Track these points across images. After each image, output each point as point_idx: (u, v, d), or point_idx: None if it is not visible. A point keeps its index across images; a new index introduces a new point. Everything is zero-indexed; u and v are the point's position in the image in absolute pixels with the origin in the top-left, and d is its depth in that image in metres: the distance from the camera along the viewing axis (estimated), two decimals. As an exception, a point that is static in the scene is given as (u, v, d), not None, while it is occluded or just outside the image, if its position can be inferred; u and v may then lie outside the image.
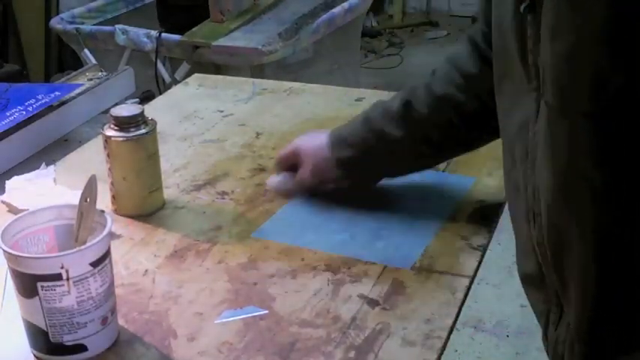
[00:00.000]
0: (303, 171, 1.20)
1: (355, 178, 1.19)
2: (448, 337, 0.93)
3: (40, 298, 0.86)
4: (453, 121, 1.11)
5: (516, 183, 0.87)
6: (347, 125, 1.20)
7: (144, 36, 2.80)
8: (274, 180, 1.26)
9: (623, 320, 0.79)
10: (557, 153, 0.77)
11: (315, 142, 1.20)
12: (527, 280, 0.91)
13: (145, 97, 1.89)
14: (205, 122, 1.52)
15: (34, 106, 1.48)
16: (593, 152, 0.73)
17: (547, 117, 0.77)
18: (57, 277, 0.85)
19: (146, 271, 1.06)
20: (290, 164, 1.23)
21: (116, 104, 1.46)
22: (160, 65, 2.83)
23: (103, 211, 0.93)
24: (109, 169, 1.17)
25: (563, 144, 0.76)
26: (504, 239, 2.81)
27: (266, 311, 0.97)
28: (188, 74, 2.46)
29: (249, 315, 0.96)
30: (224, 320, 0.95)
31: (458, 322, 0.97)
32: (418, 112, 1.12)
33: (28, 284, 0.86)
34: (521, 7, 0.77)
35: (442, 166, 1.30)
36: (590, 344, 0.82)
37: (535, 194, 0.82)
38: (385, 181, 1.24)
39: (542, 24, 0.75)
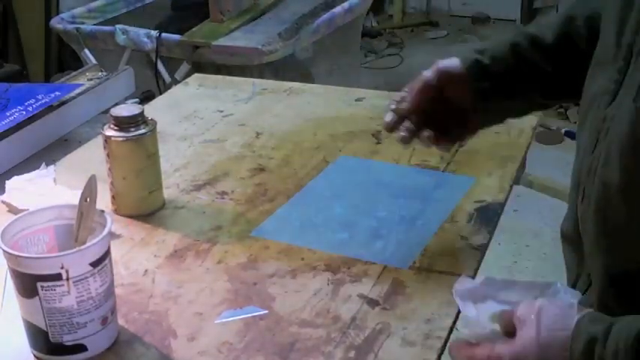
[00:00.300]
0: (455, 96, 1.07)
1: (486, 105, 1.07)
2: (448, 337, 0.93)
3: (40, 298, 0.86)
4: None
5: (578, 147, 0.88)
6: (483, 50, 1.08)
7: (144, 36, 2.80)
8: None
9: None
10: (630, 148, 0.78)
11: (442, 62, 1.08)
12: (565, 238, 0.92)
13: (145, 97, 1.90)
14: (205, 122, 1.52)
15: (34, 106, 1.48)
16: None
17: (628, 110, 0.78)
18: (57, 277, 0.85)
19: (146, 271, 1.06)
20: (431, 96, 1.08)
21: (116, 104, 1.46)
22: (160, 65, 2.83)
23: (103, 211, 0.93)
24: (109, 169, 1.17)
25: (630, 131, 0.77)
26: (504, 239, 2.82)
27: (266, 311, 0.97)
28: (188, 74, 2.46)
29: (249, 315, 0.96)
30: (224, 320, 0.95)
31: (458, 322, 0.97)
32: (581, 50, 1.03)
33: (28, 284, 0.86)
34: None
35: (442, 166, 1.31)
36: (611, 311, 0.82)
37: (592, 175, 0.84)
38: (385, 181, 1.24)
39: None
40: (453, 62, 1.06)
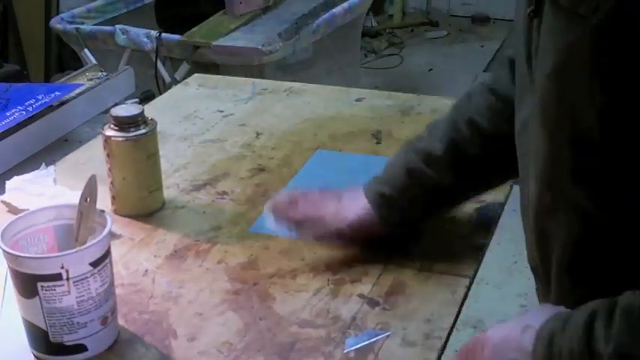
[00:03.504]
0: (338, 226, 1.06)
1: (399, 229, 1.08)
2: (448, 337, 0.93)
3: (40, 298, 0.86)
4: (507, 158, 0.96)
5: (520, 176, 0.89)
6: (385, 181, 1.07)
7: (144, 36, 2.80)
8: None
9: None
10: (542, 167, 0.79)
11: (350, 208, 1.06)
12: (532, 270, 0.92)
13: (145, 97, 1.89)
14: (205, 122, 1.52)
15: (34, 106, 1.47)
16: (573, 172, 0.75)
17: (535, 128, 0.78)
18: (57, 277, 0.85)
19: (146, 271, 1.06)
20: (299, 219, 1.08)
21: (116, 104, 1.46)
22: (160, 65, 2.83)
23: (103, 211, 0.93)
24: (109, 169, 1.17)
25: (547, 160, 0.77)
26: (504, 239, 2.82)
27: (389, 332, 0.93)
28: (188, 74, 2.45)
29: (375, 339, 0.92)
30: (351, 349, 0.91)
31: (458, 322, 0.97)
32: (470, 155, 1.03)
33: (28, 284, 0.86)
34: (527, 11, 0.78)
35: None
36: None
37: (528, 198, 0.84)
38: (365, 171, 1.25)
39: (542, 30, 0.75)
40: (358, 204, 1.05)
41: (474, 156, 1.02)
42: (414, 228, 1.09)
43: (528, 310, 0.81)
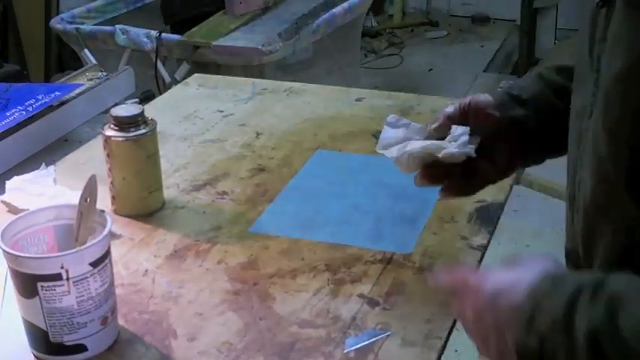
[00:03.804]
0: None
1: (523, 148, 1.01)
2: (448, 337, 0.93)
3: (40, 298, 0.86)
4: None
5: (568, 165, 0.86)
6: (512, 86, 1.02)
7: (144, 36, 2.80)
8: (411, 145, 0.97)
9: None
10: (598, 165, 0.76)
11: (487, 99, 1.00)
12: (567, 253, 0.90)
13: (145, 97, 1.89)
14: (205, 122, 1.52)
15: (34, 106, 1.47)
16: (627, 176, 0.72)
17: (594, 125, 0.76)
18: (57, 277, 0.85)
19: (146, 271, 1.06)
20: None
21: (116, 104, 1.46)
22: (160, 65, 2.83)
23: (103, 211, 0.93)
24: (109, 169, 1.17)
25: (604, 159, 0.75)
26: (504, 239, 2.82)
27: (389, 333, 0.94)
28: (188, 74, 2.46)
29: (374, 339, 0.93)
30: (351, 349, 0.91)
31: (458, 322, 0.97)
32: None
33: (28, 284, 0.86)
34: (596, 1, 0.77)
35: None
36: None
37: (578, 185, 0.81)
38: (366, 171, 1.28)
39: (611, 23, 0.74)
40: (482, 96, 1.01)
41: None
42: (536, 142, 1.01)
43: (523, 257, 0.81)
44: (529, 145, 1.00)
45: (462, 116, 0.99)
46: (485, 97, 1.01)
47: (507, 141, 1.00)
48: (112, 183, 1.18)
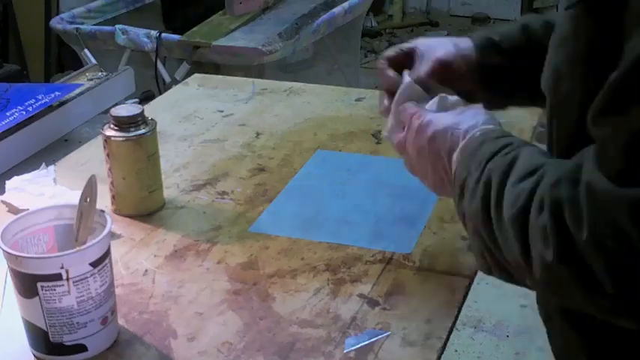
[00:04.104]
0: (420, 68, 1.02)
1: (494, 93, 1.04)
2: (448, 337, 0.93)
3: (40, 298, 0.86)
4: None
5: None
6: (495, 31, 1.05)
7: (144, 36, 2.80)
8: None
9: None
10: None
11: (442, 42, 1.04)
12: None
13: (145, 97, 1.90)
14: (205, 122, 1.52)
15: (34, 106, 1.47)
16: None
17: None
18: (57, 277, 0.85)
19: (146, 271, 1.06)
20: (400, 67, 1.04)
21: (116, 104, 1.46)
22: (159, 65, 2.83)
23: (103, 211, 0.93)
24: (109, 169, 1.17)
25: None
26: (504, 239, 2.79)
27: (388, 333, 0.94)
28: (188, 74, 2.45)
29: (375, 339, 0.93)
30: (351, 349, 0.91)
31: (458, 322, 0.97)
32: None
33: (28, 284, 0.86)
34: None
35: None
36: None
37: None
38: (366, 171, 1.28)
39: None
40: (461, 42, 1.04)
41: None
42: (501, 87, 1.05)
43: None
44: (496, 89, 1.04)
45: (407, 58, 1.04)
46: (447, 52, 1.03)
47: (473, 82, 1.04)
48: (112, 183, 1.18)
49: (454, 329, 0.95)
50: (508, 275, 0.83)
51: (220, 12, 3.03)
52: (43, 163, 1.33)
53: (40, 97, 1.51)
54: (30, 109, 1.47)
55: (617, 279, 0.65)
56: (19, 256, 0.86)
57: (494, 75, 1.04)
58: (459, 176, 0.85)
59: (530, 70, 0.95)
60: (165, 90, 2.32)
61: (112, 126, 1.15)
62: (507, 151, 0.80)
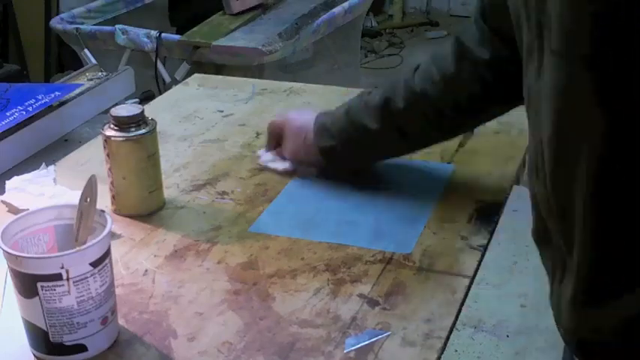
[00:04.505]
0: (285, 149, 1.30)
1: (337, 165, 1.26)
2: (448, 337, 0.93)
3: (40, 298, 0.86)
4: (428, 116, 1.17)
5: (531, 143, 0.88)
6: (331, 114, 1.25)
7: (144, 36, 2.80)
8: (265, 156, 1.33)
9: (623, 264, 0.78)
10: (558, 98, 0.77)
11: (301, 121, 1.27)
12: (535, 236, 0.91)
13: (145, 97, 1.89)
14: (205, 122, 1.52)
15: (34, 106, 1.47)
16: (594, 92, 0.73)
17: (550, 65, 0.78)
18: (57, 277, 0.85)
19: (146, 271, 1.06)
20: (277, 136, 1.31)
21: (116, 104, 1.46)
22: (159, 65, 2.83)
23: (103, 211, 0.93)
24: (109, 169, 1.17)
25: (564, 89, 0.76)
26: (504, 239, 2.82)
27: (388, 333, 0.94)
28: (188, 74, 2.46)
29: (375, 339, 0.93)
30: (352, 349, 0.91)
31: (458, 322, 0.97)
32: (396, 106, 1.18)
33: (28, 284, 0.86)
34: None
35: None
36: (589, 292, 0.81)
37: (538, 147, 0.82)
38: (367, 172, 1.28)
39: None
40: (304, 117, 1.29)
41: (399, 108, 1.18)
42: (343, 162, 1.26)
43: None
44: (335, 163, 1.26)
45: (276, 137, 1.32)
46: (297, 122, 1.28)
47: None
48: (112, 183, 1.18)
49: (454, 329, 0.95)
50: None
51: (220, 12, 3.03)
52: (43, 163, 1.33)
53: (40, 97, 1.51)
54: (30, 109, 1.46)
55: None
56: (19, 256, 0.86)
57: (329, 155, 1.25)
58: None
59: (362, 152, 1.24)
60: (165, 90, 2.33)
61: (112, 126, 1.15)
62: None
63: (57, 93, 1.54)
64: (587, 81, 0.74)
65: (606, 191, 0.77)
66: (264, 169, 1.31)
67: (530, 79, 0.85)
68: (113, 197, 1.19)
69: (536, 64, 0.82)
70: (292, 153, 1.28)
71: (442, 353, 0.91)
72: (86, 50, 2.90)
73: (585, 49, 0.73)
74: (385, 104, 1.18)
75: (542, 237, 0.89)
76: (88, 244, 0.88)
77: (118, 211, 1.19)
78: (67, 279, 0.86)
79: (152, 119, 1.18)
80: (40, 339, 0.89)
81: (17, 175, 1.29)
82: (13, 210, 1.20)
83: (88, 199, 0.92)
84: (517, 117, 1.44)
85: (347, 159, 1.25)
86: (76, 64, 2.98)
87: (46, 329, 0.88)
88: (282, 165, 1.30)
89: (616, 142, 0.74)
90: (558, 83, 0.77)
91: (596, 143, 0.75)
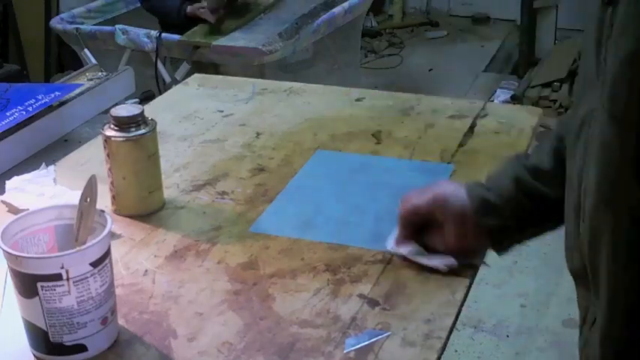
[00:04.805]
0: (449, 236, 1.05)
1: (499, 247, 1.07)
2: (448, 337, 0.93)
3: (40, 298, 0.86)
4: None
5: (570, 177, 0.86)
6: (489, 188, 1.06)
7: (144, 36, 2.80)
8: (404, 248, 1.07)
9: None
10: (605, 155, 0.76)
11: (458, 198, 1.05)
12: (574, 275, 0.89)
13: (145, 97, 1.90)
14: (205, 122, 1.52)
15: (34, 106, 1.48)
16: (635, 163, 0.72)
17: (601, 117, 0.77)
18: (57, 277, 0.85)
19: (146, 271, 1.06)
20: (415, 224, 1.07)
21: (116, 104, 1.46)
22: (160, 65, 2.83)
23: (103, 211, 0.93)
24: (109, 169, 1.17)
25: (611, 148, 0.75)
26: (504, 239, 2.79)
27: (388, 333, 0.94)
28: (188, 74, 2.46)
29: (375, 339, 0.93)
30: (352, 349, 0.91)
31: (458, 322, 0.97)
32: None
33: (28, 284, 0.86)
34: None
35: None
36: (616, 350, 0.81)
37: (584, 191, 0.81)
38: (366, 172, 1.28)
39: (617, 17, 0.74)
40: (458, 194, 1.05)
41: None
42: (508, 242, 1.07)
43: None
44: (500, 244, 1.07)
45: (427, 213, 1.06)
46: (456, 200, 1.05)
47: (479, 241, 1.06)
48: (112, 183, 1.18)
49: (454, 329, 0.95)
50: None
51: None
52: (43, 163, 1.33)
53: (40, 97, 1.52)
54: (30, 109, 1.47)
55: None
56: (19, 256, 0.86)
57: (495, 234, 1.05)
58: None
59: (532, 224, 1.03)
60: (165, 90, 2.33)
61: (112, 126, 1.15)
62: None
63: (57, 93, 1.54)
64: (632, 151, 0.72)
65: (636, 262, 0.76)
66: (393, 255, 1.08)
67: (582, 110, 0.83)
68: (113, 197, 1.19)
69: (597, 101, 0.78)
70: (458, 243, 1.05)
71: (442, 353, 0.91)
72: (86, 50, 2.90)
73: (635, 115, 0.71)
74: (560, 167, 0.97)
75: (579, 277, 0.87)
76: (88, 244, 0.88)
77: (118, 211, 1.19)
78: (67, 279, 0.86)
79: (152, 119, 1.18)
80: (40, 339, 0.89)
81: (17, 175, 1.29)
82: (13, 210, 1.20)
83: (88, 199, 0.92)
84: (517, 117, 1.45)
85: (516, 237, 1.07)
86: (76, 64, 2.98)
87: (46, 329, 0.88)
88: (443, 261, 1.04)
89: None
90: (607, 144, 0.75)
91: (629, 217, 0.74)
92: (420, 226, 1.07)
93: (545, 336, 2.35)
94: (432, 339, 0.92)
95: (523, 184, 1.03)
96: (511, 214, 1.03)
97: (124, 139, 1.15)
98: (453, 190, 1.06)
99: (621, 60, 0.72)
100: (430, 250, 1.06)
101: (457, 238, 1.04)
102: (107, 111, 1.22)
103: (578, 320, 0.86)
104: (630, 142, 0.73)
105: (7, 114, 1.45)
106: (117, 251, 1.07)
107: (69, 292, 0.86)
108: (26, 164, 1.38)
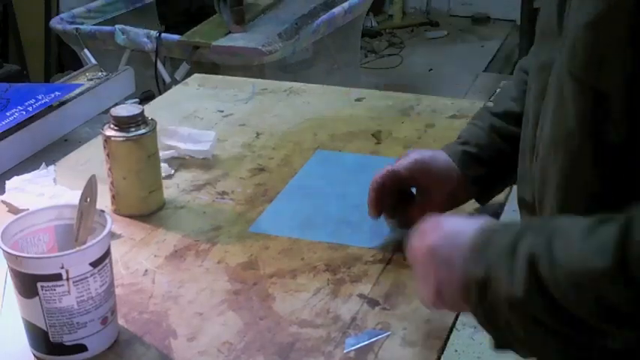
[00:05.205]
0: (435, 200, 1.07)
1: (485, 197, 1.13)
2: (448, 337, 0.93)
3: (40, 298, 0.86)
4: None
5: (527, 113, 0.89)
6: (465, 142, 1.10)
7: (144, 36, 2.80)
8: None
9: None
10: (560, 108, 0.78)
11: (440, 159, 1.08)
12: (522, 205, 0.92)
13: (145, 97, 1.89)
14: (205, 122, 1.52)
15: (34, 106, 1.47)
16: (589, 123, 0.75)
17: (560, 70, 0.78)
18: (57, 277, 0.85)
19: (146, 271, 1.06)
20: (397, 184, 1.09)
21: (116, 104, 1.46)
22: (159, 65, 2.83)
23: (103, 211, 0.93)
24: (109, 169, 1.17)
25: (567, 102, 0.77)
26: (504, 239, 2.79)
27: (388, 333, 0.94)
28: (188, 74, 2.45)
29: (375, 339, 0.93)
30: (352, 349, 0.91)
31: (458, 322, 0.97)
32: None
33: (28, 284, 0.86)
34: None
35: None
36: None
37: (540, 136, 0.84)
38: (366, 171, 1.27)
39: None
40: (437, 156, 1.09)
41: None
42: (494, 189, 1.13)
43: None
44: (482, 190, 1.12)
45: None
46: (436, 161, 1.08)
47: (463, 193, 1.10)
48: (112, 183, 1.18)
49: (454, 329, 0.95)
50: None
51: (217, 14, 3.03)
52: (43, 163, 1.33)
53: (40, 97, 1.51)
54: (30, 109, 1.47)
55: None
56: (19, 256, 0.86)
57: (481, 184, 1.10)
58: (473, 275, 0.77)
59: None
60: (165, 90, 2.33)
61: (112, 126, 1.16)
62: (528, 234, 0.74)
63: (57, 93, 1.54)
64: (587, 111, 0.75)
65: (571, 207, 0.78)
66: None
67: (542, 57, 0.85)
68: (113, 197, 1.19)
69: (554, 52, 0.81)
70: (449, 199, 1.09)
71: (442, 353, 0.91)
72: (86, 50, 2.90)
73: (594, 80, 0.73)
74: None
75: (527, 207, 0.90)
76: (88, 244, 0.88)
77: (118, 211, 1.19)
78: (67, 279, 0.86)
79: (152, 119, 1.18)
80: (40, 339, 0.89)
81: (17, 175, 1.29)
82: (13, 210, 1.20)
83: (88, 199, 0.92)
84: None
85: (498, 183, 1.13)
86: (76, 64, 2.98)
87: (46, 329, 0.88)
88: None
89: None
90: (563, 99, 0.77)
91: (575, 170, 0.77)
92: (390, 196, 1.09)
93: (545, 336, 2.34)
94: (432, 339, 0.92)
95: (499, 131, 1.08)
96: (493, 161, 1.08)
97: (124, 139, 1.15)
98: (432, 153, 1.09)
99: (584, 24, 0.73)
100: (403, 226, 1.07)
101: (447, 197, 1.08)
102: (107, 111, 1.22)
103: None
104: (587, 102, 0.74)
105: (7, 114, 1.45)
106: (117, 251, 1.07)
107: (69, 292, 0.86)
108: (26, 164, 1.38)
